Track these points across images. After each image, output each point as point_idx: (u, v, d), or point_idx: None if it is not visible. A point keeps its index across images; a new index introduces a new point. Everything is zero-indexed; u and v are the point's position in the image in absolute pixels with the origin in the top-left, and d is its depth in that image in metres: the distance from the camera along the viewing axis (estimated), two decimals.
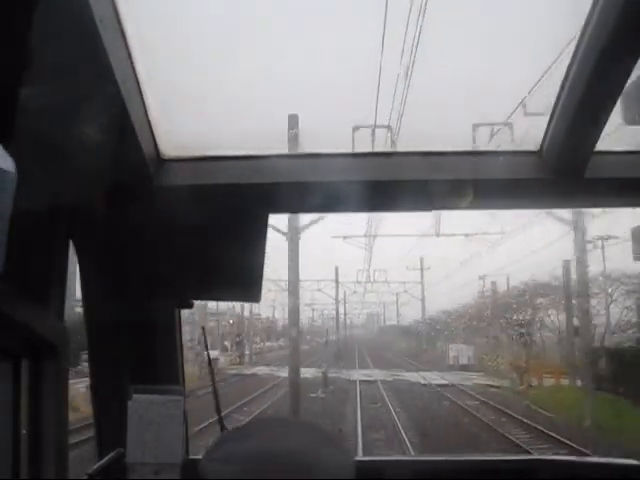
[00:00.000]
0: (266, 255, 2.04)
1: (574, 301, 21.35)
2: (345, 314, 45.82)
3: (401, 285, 41.49)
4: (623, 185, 1.98)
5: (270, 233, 2.04)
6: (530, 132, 1.98)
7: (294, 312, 18.03)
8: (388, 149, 2.04)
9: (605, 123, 1.80)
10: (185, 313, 2.30)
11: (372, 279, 38.14)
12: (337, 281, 38.88)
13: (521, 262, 31.34)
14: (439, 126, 2.02)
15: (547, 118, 1.92)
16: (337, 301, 40.84)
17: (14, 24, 1.18)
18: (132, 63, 1.66)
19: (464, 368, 31.93)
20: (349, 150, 2.01)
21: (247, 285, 2.02)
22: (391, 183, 2.00)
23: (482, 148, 1.99)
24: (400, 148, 2.03)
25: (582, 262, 19.43)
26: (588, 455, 10.14)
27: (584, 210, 17.59)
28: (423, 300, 40.94)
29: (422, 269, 39.27)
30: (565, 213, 18.95)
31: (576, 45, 1.70)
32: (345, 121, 2.05)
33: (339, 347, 41.44)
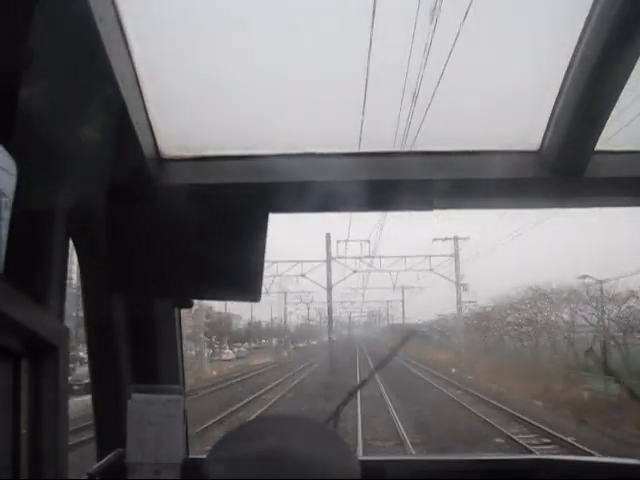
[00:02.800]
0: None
1: None
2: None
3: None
4: (623, 185, 1.98)
5: None
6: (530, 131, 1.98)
7: None
8: (388, 149, 2.04)
9: (605, 123, 1.80)
10: None
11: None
12: (329, 255, 25.01)
13: None
14: (443, 126, 2.01)
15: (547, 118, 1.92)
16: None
17: (14, 24, 1.18)
18: (132, 63, 1.66)
19: None
20: (349, 150, 2.01)
21: (247, 285, 2.02)
22: (391, 182, 2.00)
23: (482, 148, 1.99)
24: (400, 148, 2.03)
25: None
26: (589, 455, 10.14)
27: None
28: None
29: None
30: None
31: (576, 45, 1.70)
32: (347, 120, 2.04)
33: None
